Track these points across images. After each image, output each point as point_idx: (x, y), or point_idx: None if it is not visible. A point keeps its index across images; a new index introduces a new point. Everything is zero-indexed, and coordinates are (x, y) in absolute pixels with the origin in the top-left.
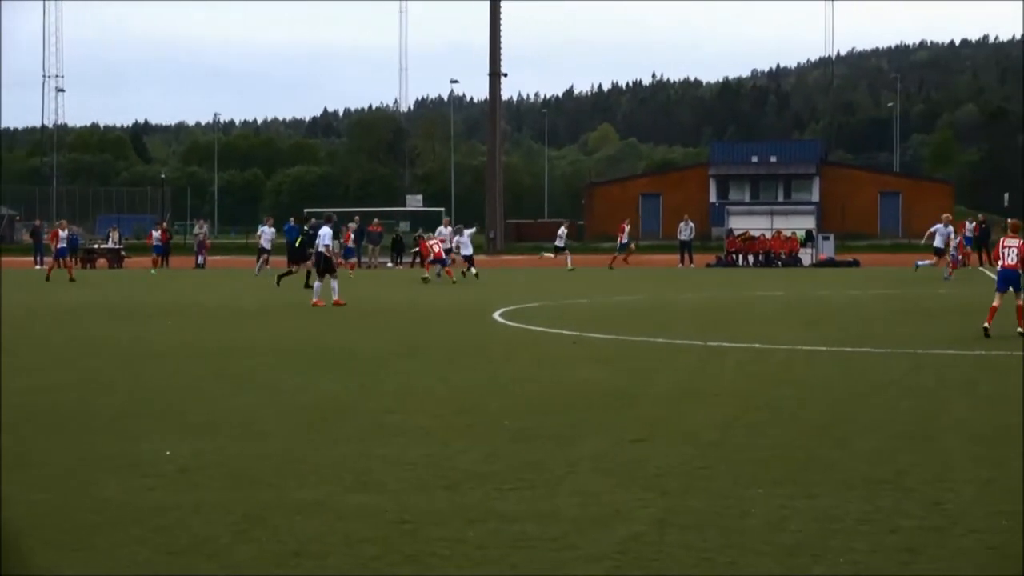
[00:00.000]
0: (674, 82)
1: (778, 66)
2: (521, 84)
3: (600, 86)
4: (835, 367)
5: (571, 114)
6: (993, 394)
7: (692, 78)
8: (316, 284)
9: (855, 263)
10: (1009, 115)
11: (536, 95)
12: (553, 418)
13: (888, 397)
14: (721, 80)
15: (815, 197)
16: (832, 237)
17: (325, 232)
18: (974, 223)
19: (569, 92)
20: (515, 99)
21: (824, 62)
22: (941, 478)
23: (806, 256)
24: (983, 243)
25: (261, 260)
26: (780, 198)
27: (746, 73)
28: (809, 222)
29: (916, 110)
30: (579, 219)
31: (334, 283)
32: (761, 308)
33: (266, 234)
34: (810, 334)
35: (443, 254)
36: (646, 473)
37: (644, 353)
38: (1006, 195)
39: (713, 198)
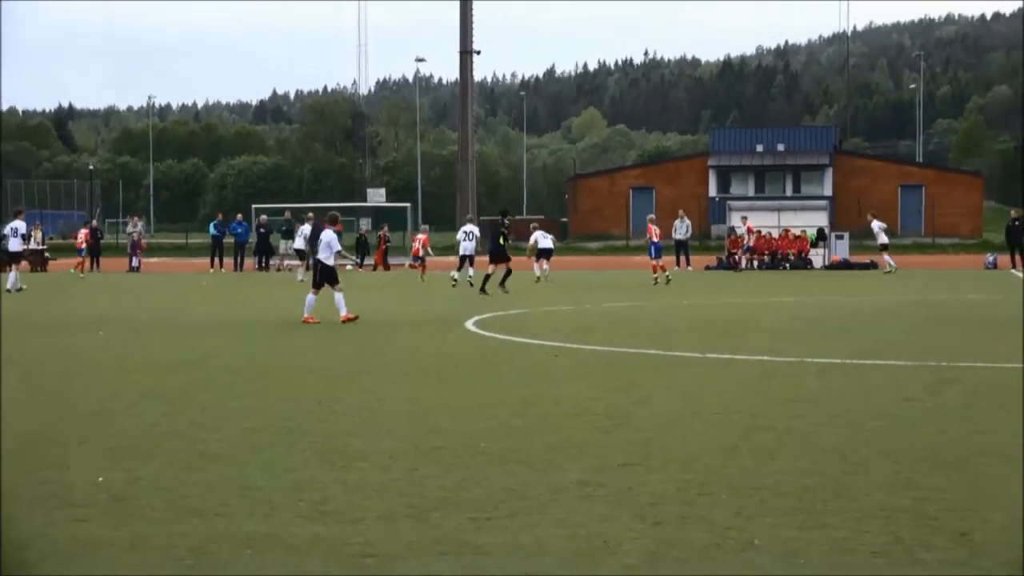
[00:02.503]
0: (669, 61)
1: (786, 43)
2: (496, 63)
3: (585, 65)
4: (851, 383)
5: (553, 97)
6: None
7: (689, 56)
8: (310, 298)
9: (872, 265)
10: None
11: (513, 75)
12: (534, 440)
13: (910, 417)
14: (722, 59)
15: (827, 191)
16: (847, 236)
17: (331, 237)
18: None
19: (550, 72)
20: (489, 80)
21: (838, 38)
22: (968, 506)
23: (817, 257)
24: (1017, 242)
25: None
26: (788, 192)
27: (750, 51)
28: (821, 219)
29: (942, 93)
30: (562, 215)
31: (339, 296)
32: (767, 316)
33: (305, 233)
34: (823, 345)
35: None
36: (638, 501)
37: (636, 367)
38: None
39: (713, 192)
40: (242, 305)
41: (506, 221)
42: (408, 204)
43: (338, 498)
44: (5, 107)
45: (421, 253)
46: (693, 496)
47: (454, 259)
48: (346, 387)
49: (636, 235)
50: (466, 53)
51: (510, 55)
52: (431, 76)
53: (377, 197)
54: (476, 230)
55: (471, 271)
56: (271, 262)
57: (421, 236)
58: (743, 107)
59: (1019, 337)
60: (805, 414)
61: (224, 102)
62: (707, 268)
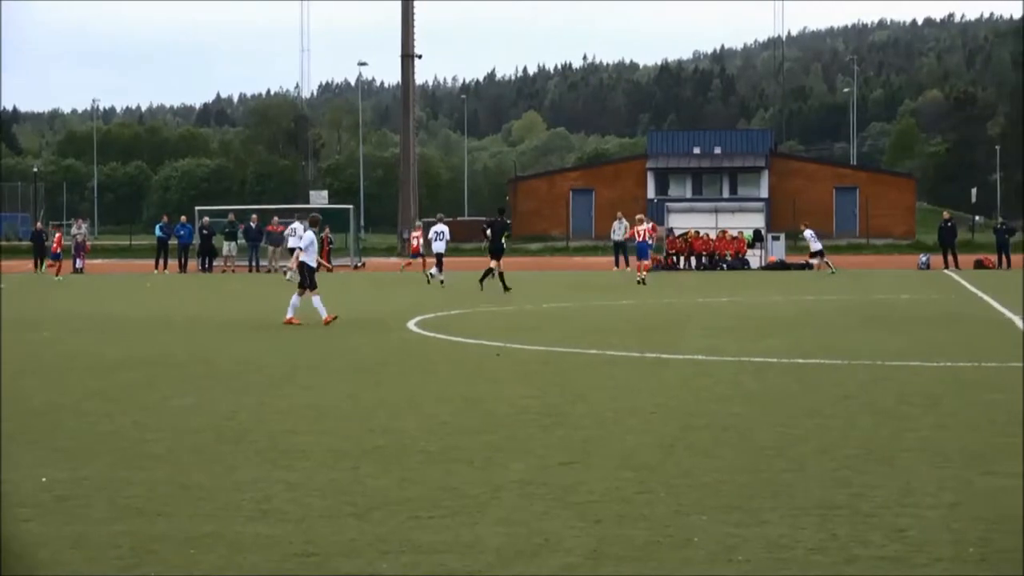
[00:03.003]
0: (607, 65)
1: (723, 47)
2: (437, 67)
3: (525, 69)
4: (787, 381)
5: (493, 100)
6: (958, 410)
7: (627, 60)
8: (294, 298)
9: (808, 266)
10: (977, 101)
11: (454, 79)
12: (475, 438)
13: (845, 414)
14: (660, 63)
15: (763, 193)
16: (783, 237)
17: (309, 237)
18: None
19: (491, 76)
20: (431, 83)
21: (773, 43)
22: (902, 503)
23: (754, 258)
24: (949, 243)
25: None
26: (725, 194)
27: (687, 55)
28: (757, 220)
29: (875, 96)
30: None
31: (317, 298)
32: (705, 316)
33: (298, 232)
34: (759, 344)
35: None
36: (578, 499)
37: (575, 366)
38: (974, 190)
39: (651, 194)
40: (186, 305)
41: (507, 221)
42: (350, 206)
43: (280, 497)
44: None
45: (422, 250)
46: (632, 494)
47: (396, 260)
48: (288, 386)
49: (576, 236)
50: (408, 57)
51: (451, 59)
52: (373, 80)
53: (320, 199)
54: (447, 230)
55: (437, 271)
56: (215, 263)
57: (416, 233)
58: (680, 110)
59: (948, 336)
60: (742, 412)
61: (168, 105)
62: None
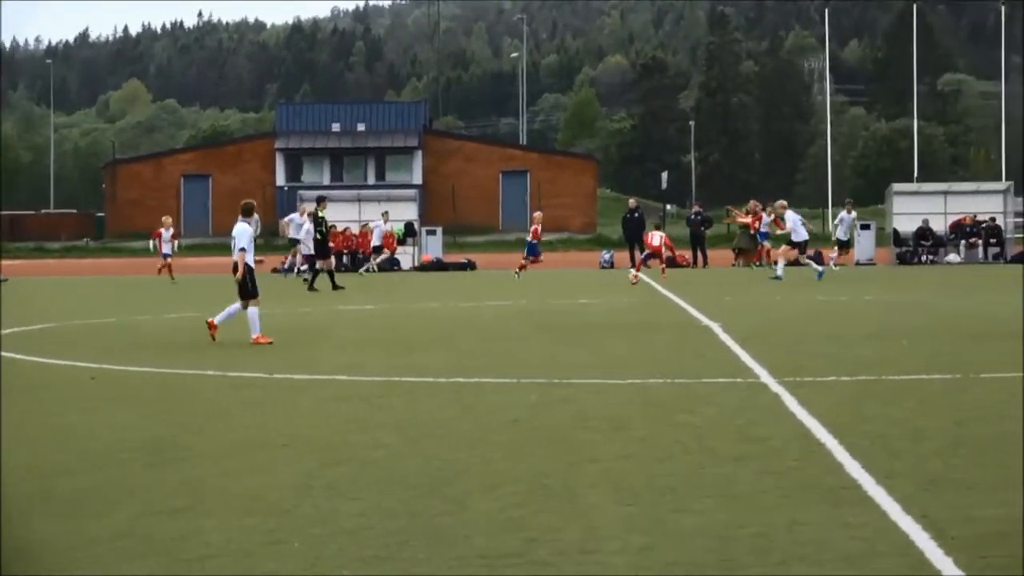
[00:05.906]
0: (228, 24)
1: (367, 4)
2: (16, 24)
3: (126, 29)
4: (444, 404)
5: (86, 67)
6: (647, 436)
7: (252, 19)
8: (252, 311)
9: (470, 265)
10: (668, 69)
11: (37, 40)
12: (63, 481)
13: (514, 442)
14: (291, 22)
15: (417, 178)
16: (439, 231)
17: (244, 232)
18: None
19: (83, 37)
20: (8, 45)
21: None
22: (584, 548)
23: (406, 256)
24: (636, 237)
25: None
26: (371, 179)
27: (324, 13)
28: (410, 211)
29: (548, 62)
30: (98, 209)
31: (254, 311)
32: (347, 327)
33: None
34: (412, 360)
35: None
36: (190, 554)
37: (190, 391)
38: (664, 174)
39: (281, 180)
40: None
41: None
42: None
43: None
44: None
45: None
46: (258, 546)
47: None
48: None
49: (190, 232)
50: None
51: (33, 15)
52: None
53: None
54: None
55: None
56: None
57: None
58: (316, 79)
59: (635, 348)
60: (389, 442)
61: None
62: (274, 271)
